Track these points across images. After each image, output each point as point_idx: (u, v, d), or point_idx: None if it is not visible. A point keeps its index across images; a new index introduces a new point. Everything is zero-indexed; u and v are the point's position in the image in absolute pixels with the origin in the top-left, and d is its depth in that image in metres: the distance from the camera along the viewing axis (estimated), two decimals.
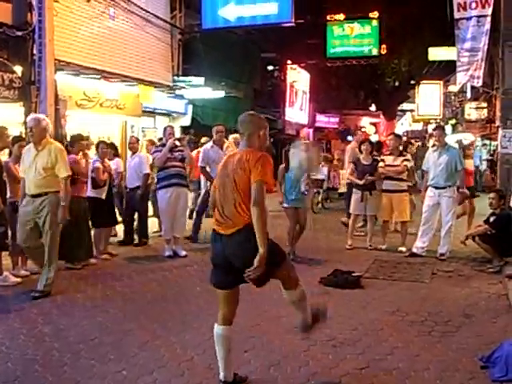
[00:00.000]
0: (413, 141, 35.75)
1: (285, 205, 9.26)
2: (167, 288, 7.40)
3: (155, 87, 16.37)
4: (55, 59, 11.24)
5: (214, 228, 4.29)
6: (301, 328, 4.64)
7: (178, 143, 9.61)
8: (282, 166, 9.33)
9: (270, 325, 5.85)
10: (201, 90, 18.03)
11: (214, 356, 4.88)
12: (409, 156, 10.64)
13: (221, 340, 4.36)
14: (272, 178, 4.16)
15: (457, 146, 12.03)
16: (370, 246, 10.06)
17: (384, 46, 25.59)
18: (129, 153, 11.18)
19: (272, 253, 4.08)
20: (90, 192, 9.00)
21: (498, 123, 12.39)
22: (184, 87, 17.76)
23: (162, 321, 5.94)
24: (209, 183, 10.02)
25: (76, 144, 8.74)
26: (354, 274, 7.63)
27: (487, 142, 28.53)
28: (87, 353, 5.01)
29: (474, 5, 10.71)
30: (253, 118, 4.40)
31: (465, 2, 10.80)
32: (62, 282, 7.58)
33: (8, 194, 7.83)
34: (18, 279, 7.64)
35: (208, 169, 10.09)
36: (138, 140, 11.20)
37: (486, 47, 10.77)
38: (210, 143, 10.26)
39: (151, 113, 18.05)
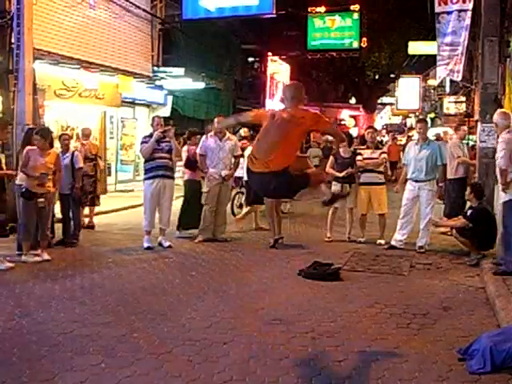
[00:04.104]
0: (399, 137, 35.96)
1: None
2: (146, 280, 7.36)
3: (135, 77, 16.27)
4: (34, 48, 11.10)
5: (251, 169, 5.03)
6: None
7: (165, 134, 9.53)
8: None
9: (249, 317, 5.84)
10: (181, 80, 17.97)
11: (193, 348, 4.89)
12: (385, 149, 10.69)
13: None
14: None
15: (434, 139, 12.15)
16: (349, 238, 10.11)
17: (364, 39, 25.69)
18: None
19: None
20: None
21: (476, 117, 12.48)
22: (164, 78, 17.68)
23: (141, 313, 5.91)
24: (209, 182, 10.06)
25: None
26: (333, 267, 7.65)
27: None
28: (65, 345, 4.96)
29: None
30: (302, 90, 5.20)
31: None
32: (39, 273, 7.53)
33: (18, 182, 8.19)
34: (12, 264, 7.81)
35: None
36: (70, 137, 10.32)
37: (466, 42, 10.84)
38: (211, 132, 10.21)
39: (131, 103, 17.97)
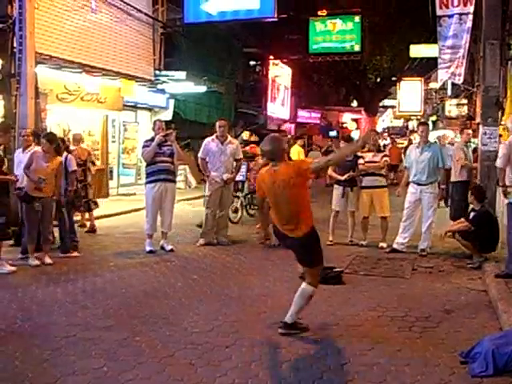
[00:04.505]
0: (400, 140, 35.94)
1: None
2: (148, 283, 7.36)
3: (136, 81, 16.30)
4: (36, 52, 11.13)
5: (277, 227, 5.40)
6: (282, 324, 5.39)
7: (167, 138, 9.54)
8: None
9: (251, 320, 5.84)
10: (183, 84, 17.99)
11: (195, 352, 4.89)
12: (387, 152, 10.69)
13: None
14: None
15: (437, 142, 12.13)
16: (351, 241, 10.10)
17: (366, 42, 25.69)
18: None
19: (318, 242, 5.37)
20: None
21: (478, 120, 12.49)
22: (166, 81, 17.70)
23: (143, 316, 5.91)
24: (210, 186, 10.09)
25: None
26: (335, 270, 7.64)
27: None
28: (67, 349, 4.97)
29: (456, 2, 10.77)
30: (283, 142, 5.46)
31: (447, 0, 10.85)
32: (42, 277, 7.54)
33: (20, 185, 8.32)
34: (14, 268, 7.84)
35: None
36: (33, 134, 9.58)
37: (467, 45, 10.84)
38: (213, 136, 10.23)
39: (132, 107, 18.00)
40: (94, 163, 11.89)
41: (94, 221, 11.30)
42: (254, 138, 25.91)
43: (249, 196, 13.09)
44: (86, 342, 5.16)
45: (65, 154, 9.22)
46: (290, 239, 5.34)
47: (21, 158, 8.82)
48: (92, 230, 11.10)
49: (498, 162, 7.63)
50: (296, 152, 18.34)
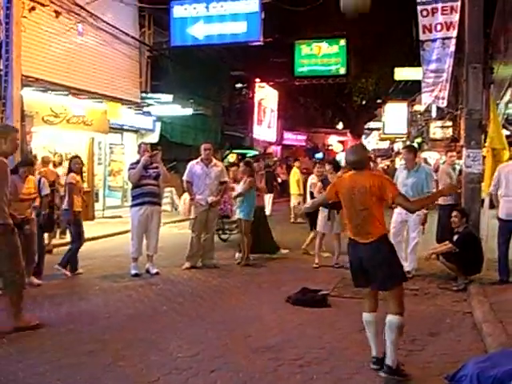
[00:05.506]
0: (379, 159, 36.20)
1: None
2: (133, 307, 7.32)
3: (123, 104, 16.34)
4: (22, 75, 11.14)
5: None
6: (386, 368, 4.95)
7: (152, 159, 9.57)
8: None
9: (237, 344, 5.81)
10: (169, 107, 18.05)
11: (180, 377, 4.85)
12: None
13: (369, 324, 5.18)
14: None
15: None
16: (337, 264, 10.09)
17: (351, 65, 25.90)
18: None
19: (394, 253, 5.12)
20: None
21: (462, 142, 12.60)
22: (152, 104, 17.75)
23: (127, 341, 5.87)
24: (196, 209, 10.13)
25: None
26: (320, 293, 7.64)
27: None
28: (52, 374, 4.92)
29: (439, 27, 10.89)
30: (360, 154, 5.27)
31: (430, 24, 10.96)
32: (27, 300, 7.44)
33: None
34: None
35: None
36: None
37: (450, 69, 10.93)
38: (198, 159, 10.25)
39: (119, 129, 18.02)
40: (60, 185, 11.92)
41: (51, 242, 11.29)
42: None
43: (220, 221, 12.10)
44: (70, 367, 5.11)
45: (38, 176, 9.22)
46: (362, 247, 5.05)
47: None
48: (48, 250, 10.89)
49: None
50: (295, 175, 18.44)
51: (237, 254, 10.80)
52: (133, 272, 9.26)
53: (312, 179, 11.33)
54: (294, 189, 18.36)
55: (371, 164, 13.31)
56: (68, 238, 11.28)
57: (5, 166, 6.14)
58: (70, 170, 9.54)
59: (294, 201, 18.33)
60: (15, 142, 6.47)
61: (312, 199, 10.15)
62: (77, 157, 9.96)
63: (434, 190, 9.49)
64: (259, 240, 10.93)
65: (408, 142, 39.38)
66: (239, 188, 10.51)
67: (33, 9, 12.55)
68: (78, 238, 9.45)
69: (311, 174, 11.82)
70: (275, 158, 29.26)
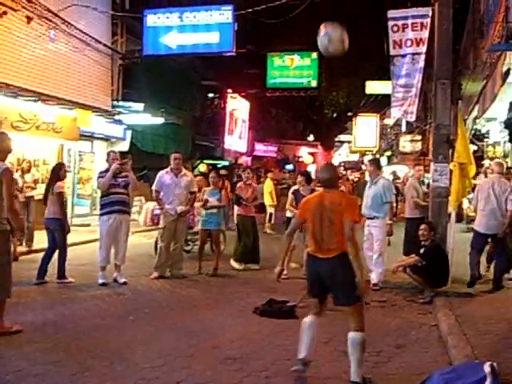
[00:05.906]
0: (349, 172, 36.48)
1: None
2: (99, 317, 7.24)
3: (93, 111, 16.23)
4: None
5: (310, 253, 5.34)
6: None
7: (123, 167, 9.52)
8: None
9: (204, 355, 5.79)
10: (140, 115, 17.98)
11: None
12: (343, 187, 10.83)
13: (306, 326, 5.32)
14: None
15: (391, 177, 12.35)
16: (305, 275, 10.07)
17: (323, 78, 26.07)
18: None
19: (352, 271, 5.07)
20: None
21: (430, 156, 12.76)
22: (123, 112, 17.66)
23: (93, 351, 5.80)
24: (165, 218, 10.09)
25: None
26: (288, 304, 7.66)
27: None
28: None
29: (409, 43, 11.06)
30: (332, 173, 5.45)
31: (400, 40, 11.12)
32: None
33: None
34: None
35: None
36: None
37: (419, 84, 11.09)
38: (167, 168, 10.21)
39: (89, 137, 17.87)
40: (20, 191, 11.79)
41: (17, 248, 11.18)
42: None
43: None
44: (33, 377, 5.03)
45: None
46: (321, 263, 5.22)
47: None
48: (14, 258, 10.73)
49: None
50: (268, 186, 18.53)
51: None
52: (100, 281, 9.18)
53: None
54: (267, 199, 18.43)
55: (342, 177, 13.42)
56: (37, 245, 11.20)
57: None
58: (57, 179, 9.35)
59: (269, 211, 18.48)
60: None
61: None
62: (62, 164, 9.85)
63: (393, 202, 9.77)
64: (255, 250, 11.29)
65: (377, 155, 39.85)
66: (214, 200, 10.52)
67: (4, 13, 12.46)
68: (64, 246, 9.38)
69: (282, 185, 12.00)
70: (248, 170, 29.23)
